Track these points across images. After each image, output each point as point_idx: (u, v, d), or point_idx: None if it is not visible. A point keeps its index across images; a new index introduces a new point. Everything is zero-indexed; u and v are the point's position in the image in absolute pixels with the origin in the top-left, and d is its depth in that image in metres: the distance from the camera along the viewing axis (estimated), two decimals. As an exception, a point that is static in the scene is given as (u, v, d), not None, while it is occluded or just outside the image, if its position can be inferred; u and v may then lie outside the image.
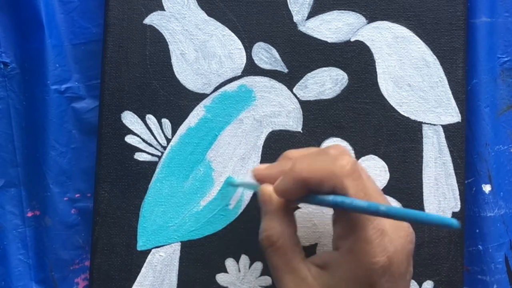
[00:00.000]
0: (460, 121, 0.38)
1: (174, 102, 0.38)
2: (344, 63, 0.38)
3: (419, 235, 0.37)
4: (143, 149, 0.38)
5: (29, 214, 0.40)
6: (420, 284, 0.37)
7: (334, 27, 0.38)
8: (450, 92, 0.38)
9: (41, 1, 0.39)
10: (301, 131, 0.38)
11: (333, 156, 0.30)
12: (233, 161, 0.38)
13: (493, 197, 0.39)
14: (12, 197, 0.40)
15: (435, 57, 0.38)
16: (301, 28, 0.38)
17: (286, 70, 0.38)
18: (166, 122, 0.38)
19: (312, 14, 0.38)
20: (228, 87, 0.38)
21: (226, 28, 0.38)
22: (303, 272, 0.31)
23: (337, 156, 0.30)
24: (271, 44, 0.38)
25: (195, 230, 0.37)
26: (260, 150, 0.38)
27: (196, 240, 0.37)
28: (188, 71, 0.38)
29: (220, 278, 0.37)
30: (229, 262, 0.37)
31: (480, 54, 0.39)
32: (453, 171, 0.37)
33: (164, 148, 0.38)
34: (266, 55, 0.38)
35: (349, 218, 0.30)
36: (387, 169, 0.37)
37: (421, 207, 0.37)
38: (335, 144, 0.37)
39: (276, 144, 0.38)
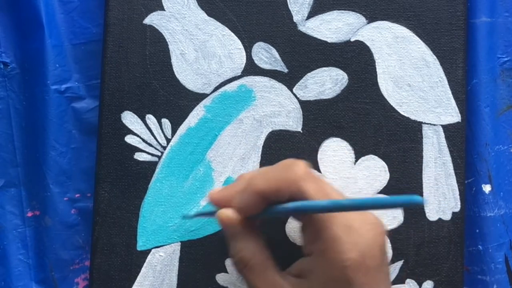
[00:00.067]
0: (460, 121, 0.38)
1: (174, 102, 0.38)
2: (344, 63, 0.38)
3: (419, 235, 0.37)
4: (143, 149, 0.38)
5: (29, 214, 0.40)
6: (420, 284, 0.37)
7: (334, 27, 0.38)
8: (450, 92, 0.38)
9: (41, 1, 0.39)
10: (301, 131, 0.38)
11: (286, 164, 0.31)
12: (233, 161, 0.38)
13: (493, 197, 0.39)
14: (12, 197, 0.40)
15: (435, 57, 0.38)
16: (301, 28, 0.38)
17: (286, 70, 0.38)
18: (166, 122, 0.38)
19: (312, 14, 0.38)
20: (228, 87, 0.38)
21: (226, 28, 0.38)
22: (281, 284, 0.31)
23: (289, 164, 0.31)
24: (271, 44, 0.38)
25: (195, 230, 0.37)
26: (260, 150, 0.38)
27: (196, 240, 0.37)
28: (188, 71, 0.38)
29: (220, 278, 0.37)
30: (229, 262, 0.37)
31: (480, 54, 0.39)
32: (453, 171, 0.37)
33: (164, 148, 0.38)
34: (266, 55, 0.38)
35: (314, 221, 0.30)
36: (387, 169, 0.37)
37: (421, 207, 0.37)
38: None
39: (276, 144, 0.38)
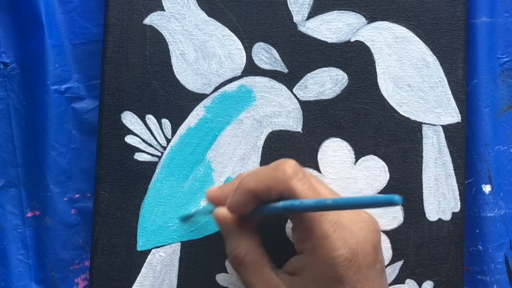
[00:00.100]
0: (460, 121, 0.38)
1: (174, 102, 0.38)
2: (344, 63, 0.38)
3: (419, 235, 0.37)
4: (143, 149, 0.38)
5: (29, 214, 0.40)
6: (420, 284, 0.37)
7: (334, 27, 0.38)
8: (450, 92, 0.38)
9: (41, 1, 0.39)
10: (301, 131, 0.38)
11: (277, 163, 0.31)
12: (233, 161, 0.38)
13: (493, 197, 0.39)
14: (12, 197, 0.40)
15: (435, 57, 0.38)
16: (301, 28, 0.38)
17: (286, 70, 0.38)
18: (166, 122, 0.38)
19: (312, 14, 0.38)
20: (228, 87, 0.38)
21: (226, 28, 0.38)
22: (275, 281, 0.31)
23: (280, 163, 0.31)
24: (271, 44, 0.38)
25: (195, 230, 0.37)
26: (260, 150, 0.38)
27: (196, 240, 0.37)
28: (188, 71, 0.38)
29: (220, 278, 0.37)
30: (229, 262, 0.37)
31: (480, 54, 0.39)
32: (453, 171, 0.37)
33: (164, 148, 0.38)
34: (266, 55, 0.38)
35: (304, 220, 0.30)
36: (387, 169, 0.37)
37: (421, 207, 0.37)
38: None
39: (276, 145, 0.38)
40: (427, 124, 0.38)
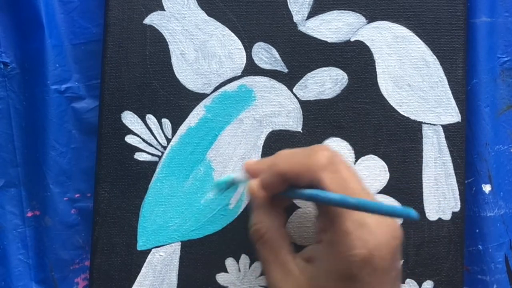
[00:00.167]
0: (460, 121, 0.38)
1: (174, 102, 0.38)
2: (344, 63, 0.38)
3: (419, 235, 0.37)
4: (143, 149, 0.38)
5: (29, 214, 0.40)
6: (420, 284, 0.37)
7: (334, 27, 0.38)
8: (450, 92, 0.38)
9: (41, 1, 0.39)
10: (301, 131, 0.38)
11: (312, 151, 0.31)
12: (233, 161, 0.38)
13: (493, 197, 0.39)
14: (12, 197, 0.40)
15: (435, 57, 0.38)
16: (301, 28, 0.38)
17: (286, 70, 0.38)
18: (166, 122, 0.38)
19: (312, 14, 0.38)
20: (228, 87, 0.38)
21: (226, 28, 0.38)
22: (290, 264, 0.31)
23: (316, 151, 0.31)
24: (271, 44, 0.38)
25: (195, 229, 0.37)
26: (260, 150, 0.38)
27: (196, 240, 0.37)
28: (188, 71, 0.38)
29: (220, 278, 0.37)
30: (229, 262, 0.37)
31: (480, 54, 0.39)
32: (453, 171, 0.37)
33: (164, 148, 0.38)
34: (266, 55, 0.38)
35: (329, 211, 0.30)
36: (387, 169, 0.37)
37: (421, 207, 0.37)
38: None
39: (276, 144, 0.38)
40: (427, 123, 0.38)
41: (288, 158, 0.32)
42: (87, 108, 0.41)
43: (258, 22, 0.38)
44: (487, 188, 0.39)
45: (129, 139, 0.38)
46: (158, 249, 0.37)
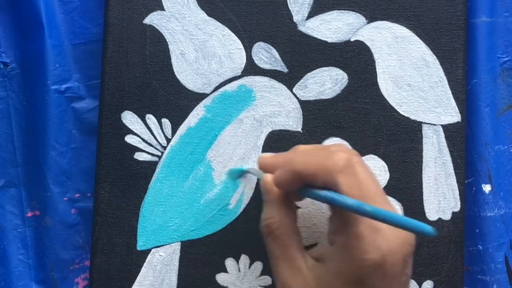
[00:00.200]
0: (460, 121, 0.38)
1: (174, 102, 0.38)
2: (344, 63, 0.38)
3: (419, 235, 0.37)
4: (143, 149, 0.38)
5: (29, 214, 0.40)
6: (420, 284, 0.37)
7: (334, 27, 0.38)
8: (450, 92, 0.38)
9: (41, 1, 0.39)
10: (301, 131, 0.38)
11: (330, 151, 0.31)
12: (233, 161, 0.38)
13: (493, 197, 0.39)
14: (12, 197, 0.40)
15: (435, 57, 0.38)
16: (301, 28, 0.38)
17: (286, 70, 0.38)
18: (166, 122, 0.38)
19: (312, 14, 0.38)
20: (228, 87, 0.38)
21: (226, 28, 0.38)
22: (299, 262, 0.31)
23: (334, 152, 0.31)
24: (271, 44, 0.38)
25: (195, 229, 0.37)
26: (260, 150, 0.38)
27: (196, 240, 0.37)
28: (188, 71, 0.38)
29: (220, 278, 0.37)
30: (229, 262, 0.37)
31: (480, 54, 0.39)
32: (453, 171, 0.37)
33: (164, 148, 0.38)
34: (266, 55, 0.38)
35: (343, 213, 0.30)
36: (387, 169, 0.37)
37: (421, 207, 0.37)
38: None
39: (276, 144, 0.38)
40: (427, 123, 0.38)
41: (305, 157, 0.31)
42: (87, 108, 0.41)
43: (258, 22, 0.38)
44: (487, 188, 0.39)
45: (129, 139, 0.38)
46: (158, 249, 0.37)
